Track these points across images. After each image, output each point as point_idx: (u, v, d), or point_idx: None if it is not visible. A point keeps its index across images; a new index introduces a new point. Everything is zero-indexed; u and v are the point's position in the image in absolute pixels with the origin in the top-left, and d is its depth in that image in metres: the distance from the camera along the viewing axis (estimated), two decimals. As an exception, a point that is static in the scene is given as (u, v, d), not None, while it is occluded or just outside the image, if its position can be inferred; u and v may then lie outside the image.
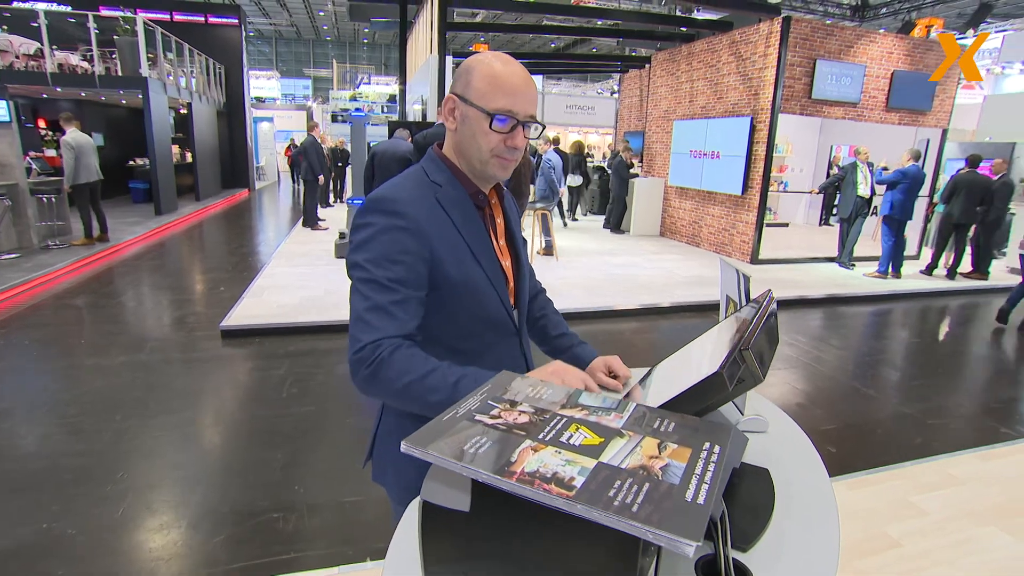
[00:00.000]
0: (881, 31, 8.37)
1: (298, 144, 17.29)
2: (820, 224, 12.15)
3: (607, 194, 11.86)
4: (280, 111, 23.41)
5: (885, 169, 8.04)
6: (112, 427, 3.11)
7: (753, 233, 8.01)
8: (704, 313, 5.83)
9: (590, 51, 21.62)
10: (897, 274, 7.41)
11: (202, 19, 14.28)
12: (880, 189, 7.56)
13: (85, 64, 9.85)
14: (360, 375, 0.89)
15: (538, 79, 22.58)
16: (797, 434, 1.15)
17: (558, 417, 0.59)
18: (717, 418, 1.09)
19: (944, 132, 8.49)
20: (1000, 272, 8.00)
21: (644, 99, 11.58)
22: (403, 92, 9.76)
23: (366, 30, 29.24)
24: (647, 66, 10.91)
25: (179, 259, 7.69)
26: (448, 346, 1.04)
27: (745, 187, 8.01)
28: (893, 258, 7.36)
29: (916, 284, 7.24)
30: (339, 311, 4.96)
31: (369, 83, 22.48)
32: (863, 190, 7.41)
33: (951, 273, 7.57)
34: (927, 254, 8.12)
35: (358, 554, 2.22)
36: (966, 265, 7.76)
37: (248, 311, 4.89)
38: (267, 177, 19.46)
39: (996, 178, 7.30)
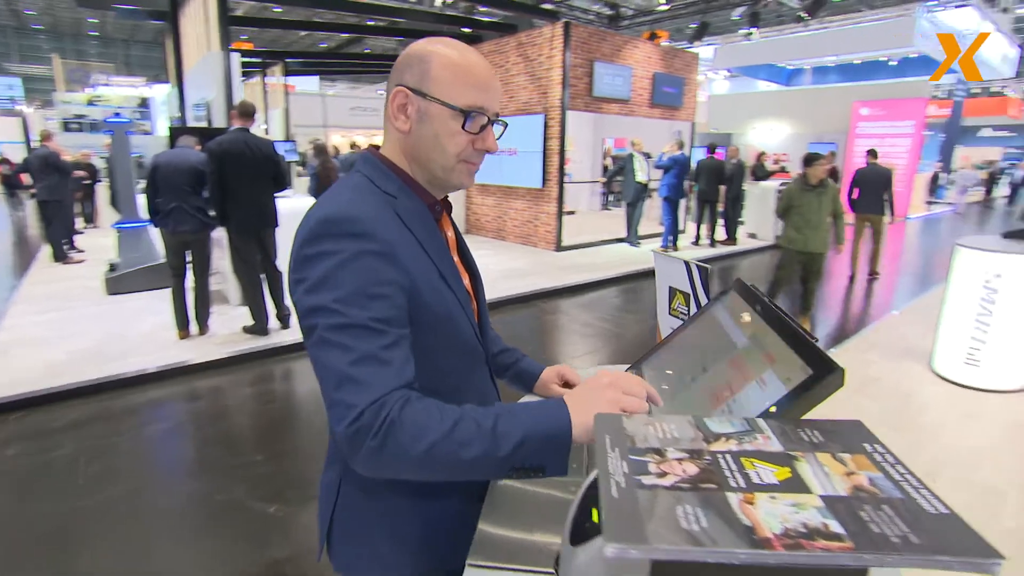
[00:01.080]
0: (639, 39, 9.58)
1: (12, 161, 13.78)
2: (602, 209, 13.64)
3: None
4: (-21, 118, 18.41)
5: (650, 156, 9.27)
6: None
7: (555, 223, 8.62)
8: (526, 304, 6.07)
9: (362, 51, 20.87)
10: (675, 247, 8.66)
11: None
12: (656, 174, 8.72)
13: None
14: (365, 449, 0.68)
15: (313, 80, 21.24)
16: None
17: (720, 455, 0.50)
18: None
19: (693, 125, 10.13)
20: (743, 238, 9.85)
21: (436, 99, 11.62)
22: (181, 94, 8.31)
23: (92, 20, 24.40)
24: (436, 66, 10.96)
25: None
26: (424, 387, 0.84)
27: (544, 180, 8.58)
28: (672, 233, 8.58)
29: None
30: (129, 360, 4.06)
31: (108, 84, 18.77)
32: (641, 177, 8.47)
33: (712, 242, 9.10)
34: (692, 228, 9.63)
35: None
36: (721, 234, 9.39)
37: (-7, 379, 3.73)
38: (-29, 203, 15.16)
39: (731, 162, 8.93)
